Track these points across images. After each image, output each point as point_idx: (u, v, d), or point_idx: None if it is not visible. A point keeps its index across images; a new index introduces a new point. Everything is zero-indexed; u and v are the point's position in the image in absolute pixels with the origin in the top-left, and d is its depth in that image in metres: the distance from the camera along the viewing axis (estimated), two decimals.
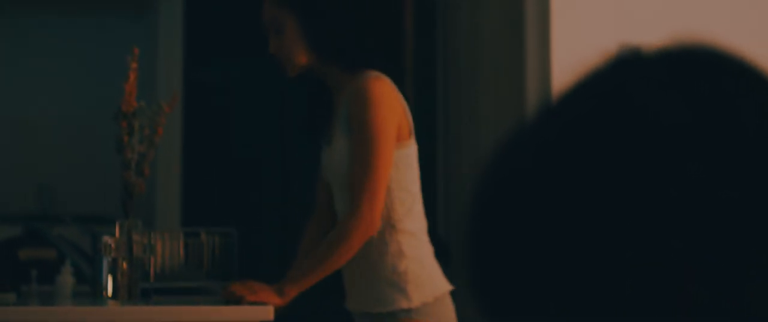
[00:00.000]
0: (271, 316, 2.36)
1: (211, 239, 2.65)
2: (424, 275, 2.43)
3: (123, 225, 2.44)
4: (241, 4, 5.67)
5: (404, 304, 2.40)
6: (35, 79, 5.77)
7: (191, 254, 2.65)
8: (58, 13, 5.83)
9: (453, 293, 2.46)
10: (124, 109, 2.36)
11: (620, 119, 0.64)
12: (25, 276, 2.79)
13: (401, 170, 2.44)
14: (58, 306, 2.43)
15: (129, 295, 2.43)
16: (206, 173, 5.54)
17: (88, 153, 5.70)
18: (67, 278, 2.63)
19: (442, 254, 2.56)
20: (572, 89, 0.70)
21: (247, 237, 3.08)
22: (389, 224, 2.43)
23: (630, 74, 0.68)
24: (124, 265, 2.43)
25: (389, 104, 2.38)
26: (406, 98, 3.96)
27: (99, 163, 5.66)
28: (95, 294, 2.68)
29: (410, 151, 2.46)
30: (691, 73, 0.67)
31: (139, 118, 2.39)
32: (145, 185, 2.44)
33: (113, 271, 2.57)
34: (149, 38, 5.22)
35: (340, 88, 2.49)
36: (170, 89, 4.87)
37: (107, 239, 2.51)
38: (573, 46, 3.32)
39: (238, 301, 2.37)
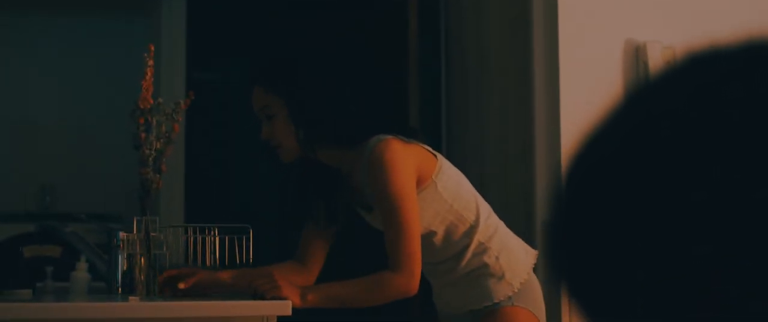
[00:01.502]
0: (290, 312, 2.38)
1: (226, 235, 2.66)
2: (513, 257, 2.55)
3: (140, 221, 2.45)
4: (243, 5, 5.68)
5: (508, 291, 2.51)
6: (37, 80, 5.78)
7: (206, 250, 2.66)
8: (60, 14, 5.84)
9: None
10: (141, 106, 2.37)
11: (703, 114, 0.65)
12: (32, 273, 2.79)
13: (450, 191, 2.51)
14: (76, 302, 2.44)
15: (147, 291, 2.44)
16: (208, 171, 5.56)
17: (90, 153, 5.71)
18: (82, 275, 2.63)
19: None
20: (653, 84, 0.71)
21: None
22: (467, 237, 2.53)
23: (710, 70, 0.68)
24: (142, 261, 2.44)
25: (402, 163, 2.42)
26: (411, 98, 3.99)
27: (101, 162, 5.68)
28: (110, 290, 2.69)
29: (443, 176, 2.51)
30: None
31: (157, 115, 2.40)
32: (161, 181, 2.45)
33: (130, 267, 2.58)
34: (152, 39, 5.23)
35: (345, 163, 2.53)
36: (173, 89, 4.88)
37: (125, 235, 2.52)
38: (581, 42, 3.34)
39: (262, 295, 2.39)
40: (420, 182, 2.48)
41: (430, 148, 2.56)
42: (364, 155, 2.46)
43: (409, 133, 2.51)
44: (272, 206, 5.82)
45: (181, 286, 2.47)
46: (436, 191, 2.49)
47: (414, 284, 2.41)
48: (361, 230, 2.83)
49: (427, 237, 2.54)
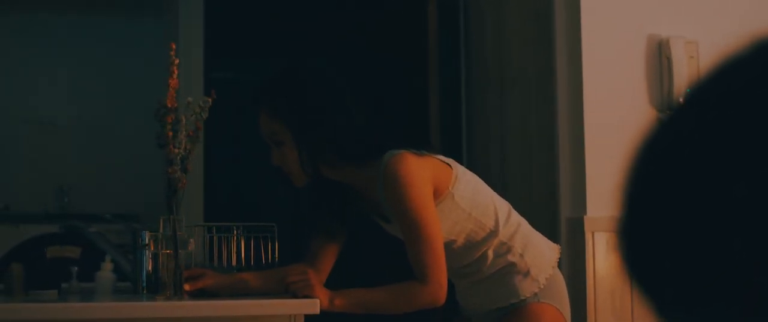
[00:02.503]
0: (318, 311, 2.37)
1: (251, 235, 2.65)
2: (537, 252, 2.55)
3: (167, 220, 2.44)
4: (260, 5, 5.68)
5: (534, 287, 2.51)
6: (54, 80, 5.78)
7: (231, 250, 2.65)
8: (78, 14, 5.84)
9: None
10: (169, 104, 2.36)
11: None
12: (54, 273, 2.78)
13: (467, 200, 2.49)
14: (104, 302, 2.43)
15: (174, 290, 2.43)
16: (226, 171, 5.56)
17: (108, 153, 5.71)
18: (107, 274, 2.62)
19: None
20: (717, 74, 0.69)
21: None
22: (488, 241, 2.52)
23: None
24: (170, 260, 2.43)
25: (418, 176, 2.40)
26: (430, 94, 3.98)
27: (119, 163, 5.68)
28: (135, 290, 2.68)
29: (460, 186, 2.49)
30: None
31: (186, 114, 2.39)
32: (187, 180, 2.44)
33: (156, 267, 2.57)
34: (169, 39, 5.21)
35: (359, 180, 2.51)
36: (191, 89, 4.87)
37: (151, 234, 2.51)
38: (603, 38, 3.32)
39: (294, 293, 2.39)
40: (437, 194, 2.46)
41: (444, 158, 2.54)
42: (378, 172, 2.44)
43: (421, 146, 2.50)
44: (288, 206, 5.82)
45: (187, 288, 2.45)
46: (453, 202, 2.48)
47: (442, 294, 2.40)
48: (374, 233, 2.82)
49: (448, 245, 2.52)
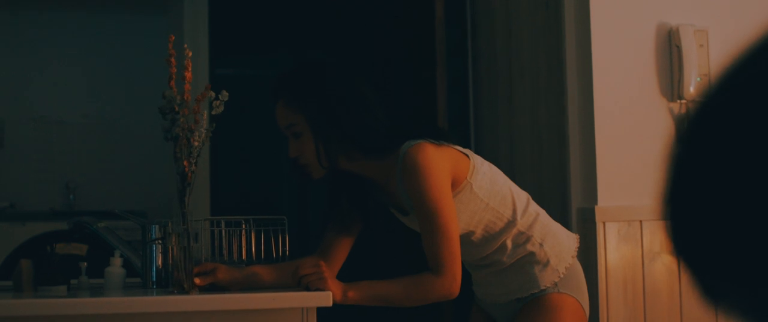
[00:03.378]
0: (331, 303, 2.35)
1: (261, 228, 2.63)
2: (556, 242, 2.54)
3: (179, 214, 2.42)
4: (265, 0, 5.66)
5: (554, 277, 2.50)
6: (60, 77, 5.77)
7: (241, 243, 2.63)
8: (83, 12, 5.83)
9: None
10: (185, 98, 2.34)
11: None
12: (63, 270, 2.77)
13: (485, 190, 2.48)
14: (115, 297, 2.41)
15: (186, 284, 2.41)
16: (232, 165, 5.55)
17: (115, 151, 5.70)
18: (117, 269, 2.61)
19: None
20: (749, 54, 0.68)
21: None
22: (506, 232, 2.51)
23: None
24: (180, 254, 2.41)
25: (437, 166, 2.39)
26: (438, 85, 3.96)
27: (126, 160, 5.67)
28: (145, 285, 2.67)
29: (478, 176, 2.49)
30: None
31: (199, 108, 2.37)
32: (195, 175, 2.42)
33: (166, 261, 2.56)
34: (175, 34, 5.19)
35: (377, 172, 2.50)
36: (196, 84, 4.86)
37: (161, 228, 2.50)
38: (613, 26, 3.30)
39: (306, 286, 2.37)
40: (455, 184, 2.45)
41: (462, 149, 2.53)
42: (396, 163, 2.43)
43: (438, 135, 2.48)
44: (293, 200, 5.80)
45: (198, 282, 2.44)
46: (471, 192, 2.47)
47: (456, 287, 2.39)
48: (390, 226, 2.81)
49: (466, 236, 2.51)
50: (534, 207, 2.57)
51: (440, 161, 2.40)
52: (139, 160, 5.60)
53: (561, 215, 3.24)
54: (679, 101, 3.31)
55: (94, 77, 5.79)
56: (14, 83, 5.73)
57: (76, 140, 5.74)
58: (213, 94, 2.36)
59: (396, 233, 3.22)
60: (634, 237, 3.22)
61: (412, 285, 2.41)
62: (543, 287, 2.50)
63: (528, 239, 2.51)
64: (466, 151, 2.54)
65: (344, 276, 2.53)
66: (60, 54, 5.77)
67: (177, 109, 2.30)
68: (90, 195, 5.57)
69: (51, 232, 3.53)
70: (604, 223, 3.19)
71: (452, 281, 2.38)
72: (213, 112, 2.34)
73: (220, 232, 2.62)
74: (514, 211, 2.51)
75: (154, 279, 2.65)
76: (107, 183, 5.63)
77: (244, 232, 2.61)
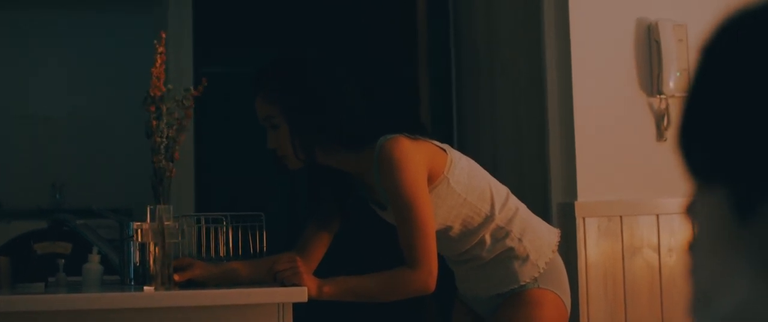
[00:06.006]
0: (306, 299, 2.36)
1: (239, 225, 2.64)
2: (536, 236, 2.54)
3: (154, 210, 2.42)
4: None
5: (534, 272, 2.50)
6: (45, 75, 5.77)
7: (219, 240, 2.64)
8: (68, 9, 5.82)
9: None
10: (152, 93, 2.35)
11: None
12: (44, 269, 2.77)
13: (463, 185, 2.49)
14: (88, 293, 2.41)
15: (162, 280, 2.42)
16: (218, 163, 5.55)
17: (101, 149, 5.70)
18: (95, 266, 2.61)
19: None
20: None
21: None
22: (485, 227, 2.51)
23: None
24: (157, 250, 2.42)
25: (413, 160, 2.39)
26: (421, 84, 3.96)
27: (113, 158, 5.67)
28: (123, 281, 2.67)
29: (455, 170, 2.49)
30: None
31: (167, 103, 2.38)
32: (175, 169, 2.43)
33: (144, 256, 2.56)
34: (159, 32, 5.21)
35: (354, 165, 2.51)
36: (180, 82, 4.86)
37: (138, 224, 2.50)
38: (592, 22, 3.30)
39: (282, 281, 2.38)
40: (432, 179, 2.45)
41: (439, 143, 2.53)
42: (372, 156, 2.43)
43: (416, 130, 2.48)
44: (281, 198, 5.81)
45: (177, 278, 2.45)
46: (448, 187, 2.47)
47: (432, 281, 2.39)
48: (368, 221, 2.81)
49: (445, 232, 2.51)
50: (514, 202, 2.57)
51: (416, 155, 2.40)
52: (125, 158, 5.59)
53: (541, 211, 3.24)
54: (658, 96, 3.32)
55: (79, 75, 5.79)
56: (1, 82, 5.72)
57: (62, 138, 5.74)
58: (170, 87, 2.37)
59: (376, 229, 3.23)
60: (614, 232, 3.22)
61: (387, 280, 2.42)
62: (523, 283, 2.50)
63: (507, 234, 2.51)
64: (444, 145, 2.54)
65: (324, 272, 2.53)
66: (45, 52, 5.77)
67: (152, 107, 2.30)
68: (76, 193, 5.56)
69: (33, 231, 3.52)
70: (584, 218, 3.20)
71: (428, 275, 2.38)
72: (174, 105, 2.33)
73: (199, 228, 2.62)
74: (492, 206, 2.51)
75: (132, 276, 2.65)
76: (94, 181, 5.62)
77: (222, 228, 2.61)
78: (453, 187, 2.47)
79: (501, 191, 2.56)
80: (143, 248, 2.58)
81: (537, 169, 3.37)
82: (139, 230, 2.49)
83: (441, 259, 2.48)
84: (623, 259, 3.22)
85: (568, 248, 3.21)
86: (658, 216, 3.25)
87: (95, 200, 5.20)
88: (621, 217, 3.23)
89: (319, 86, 2.46)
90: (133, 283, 2.64)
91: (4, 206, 5.47)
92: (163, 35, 2.38)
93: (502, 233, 2.51)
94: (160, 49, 2.37)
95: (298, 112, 2.44)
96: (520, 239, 2.50)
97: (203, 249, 2.63)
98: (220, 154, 5.69)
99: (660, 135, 3.32)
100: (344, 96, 2.47)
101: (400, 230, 2.40)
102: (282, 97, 2.45)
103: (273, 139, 2.49)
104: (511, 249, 2.50)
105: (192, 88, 2.40)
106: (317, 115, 2.44)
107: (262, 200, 5.88)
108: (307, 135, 2.44)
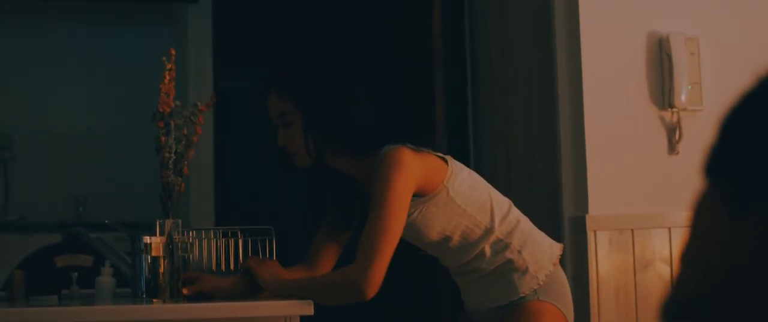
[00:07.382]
0: (312, 312, 2.38)
1: (249, 238, 2.66)
2: (536, 249, 2.54)
3: (163, 224, 2.46)
4: (268, 13, 5.71)
5: (534, 284, 2.50)
6: (66, 90, 5.83)
7: (229, 253, 2.67)
8: (89, 24, 5.89)
9: None
10: (161, 109, 2.39)
11: None
12: (63, 282, 2.82)
13: (463, 196, 2.50)
14: (95, 306, 2.45)
15: (170, 293, 2.45)
16: (238, 177, 5.58)
17: (123, 162, 5.75)
18: (107, 279, 2.65)
19: None
20: None
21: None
22: (485, 239, 2.51)
23: None
24: (166, 263, 2.45)
25: (406, 170, 2.40)
26: (437, 95, 3.98)
27: (134, 172, 5.72)
28: (135, 294, 2.71)
29: (455, 181, 2.50)
30: None
31: (176, 119, 2.41)
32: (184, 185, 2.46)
33: (154, 270, 2.59)
34: (178, 48, 5.25)
35: (359, 171, 2.53)
36: (201, 97, 4.91)
37: (148, 238, 2.54)
38: (603, 35, 3.31)
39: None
40: (431, 188, 2.47)
41: (441, 155, 2.56)
42: (374, 164, 2.46)
43: (420, 143, 2.51)
44: (301, 212, 5.82)
45: (185, 291, 2.49)
46: (447, 196, 2.48)
47: (370, 284, 2.33)
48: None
49: (444, 242, 2.53)
50: (515, 214, 2.58)
51: (412, 166, 2.42)
52: (147, 171, 5.64)
53: (552, 224, 3.25)
54: (670, 109, 3.32)
55: (101, 90, 5.85)
56: (24, 97, 5.80)
57: (85, 153, 5.80)
58: (179, 103, 2.40)
59: None
60: (625, 246, 3.22)
61: (335, 283, 2.43)
62: (522, 295, 2.51)
63: (506, 247, 2.52)
64: (446, 157, 2.57)
65: None
66: (68, 67, 5.84)
67: (160, 122, 2.34)
68: (99, 207, 5.62)
69: (51, 245, 3.57)
70: (595, 231, 3.20)
71: (366, 274, 2.33)
72: (183, 121, 2.37)
73: (209, 242, 2.65)
74: (492, 218, 2.52)
75: (144, 289, 2.69)
76: (116, 195, 5.68)
77: (232, 241, 2.64)
78: (452, 197, 2.49)
79: (502, 203, 2.57)
80: (154, 261, 2.62)
81: (549, 183, 3.38)
82: (148, 244, 2.52)
83: (444, 270, 2.49)
84: (635, 272, 3.22)
85: (579, 262, 3.21)
86: (669, 229, 3.25)
87: (118, 215, 5.26)
88: (632, 230, 3.23)
89: (332, 86, 2.52)
90: (144, 296, 2.68)
91: (28, 219, 5.54)
92: (173, 52, 2.42)
93: (501, 245, 2.52)
94: (169, 66, 2.41)
95: (311, 109, 2.47)
96: (519, 252, 2.51)
97: (213, 262, 2.65)
98: (240, 168, 5.72)
99: (671, 148, 3.32)
100: (354, 100, 2.52)
101: (367, 226, 2.39)
102: (296, 94, 2.49)
103: (284, 136, 2.52)
104: (511, 261, 2.51)
105: (198, 103, 2.43)
106: (328, 113, 2.48)
107: (283, 213, 5.90)
108: (318, 133, 2.48)
